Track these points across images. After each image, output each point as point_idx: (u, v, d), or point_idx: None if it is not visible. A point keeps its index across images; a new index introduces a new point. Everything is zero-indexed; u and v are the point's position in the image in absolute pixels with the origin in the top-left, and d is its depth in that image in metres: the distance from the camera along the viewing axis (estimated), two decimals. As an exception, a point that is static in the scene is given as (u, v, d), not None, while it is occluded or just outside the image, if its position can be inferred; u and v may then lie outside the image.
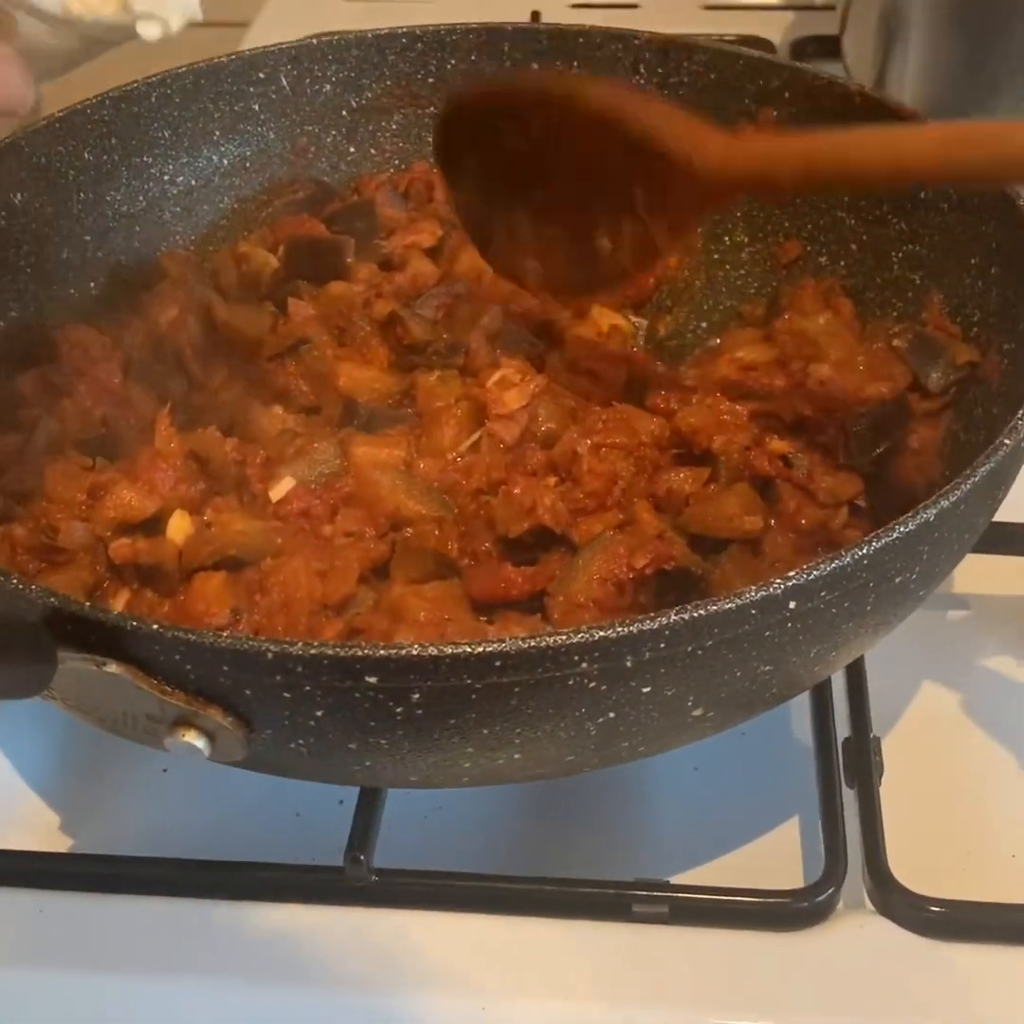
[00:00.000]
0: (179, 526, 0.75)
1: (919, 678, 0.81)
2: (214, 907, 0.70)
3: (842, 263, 0.91)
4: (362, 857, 0.68)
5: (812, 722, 0.76)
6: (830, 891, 0.68)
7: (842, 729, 0.75)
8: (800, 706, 0.76)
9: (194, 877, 0.71)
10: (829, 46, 1.32)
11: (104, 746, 0.75)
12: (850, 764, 0.73)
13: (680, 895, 0.68)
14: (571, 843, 0.73)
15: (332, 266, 0.93)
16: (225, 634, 0.56)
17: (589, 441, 0.76)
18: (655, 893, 0.68)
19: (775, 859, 0.73)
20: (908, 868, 0.70)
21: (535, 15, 1.44)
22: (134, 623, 0.56)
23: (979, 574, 0.85)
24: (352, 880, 0.69)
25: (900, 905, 0.68)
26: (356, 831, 0.69)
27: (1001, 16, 1.06)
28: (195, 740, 0.58)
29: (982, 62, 1.08)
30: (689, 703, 0.60)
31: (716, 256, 0.97)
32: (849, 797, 0.72)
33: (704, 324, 0.96)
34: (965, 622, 0.85)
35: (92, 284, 0.93)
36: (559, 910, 0.68)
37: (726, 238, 0.97)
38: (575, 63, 0.99)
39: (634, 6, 1.52)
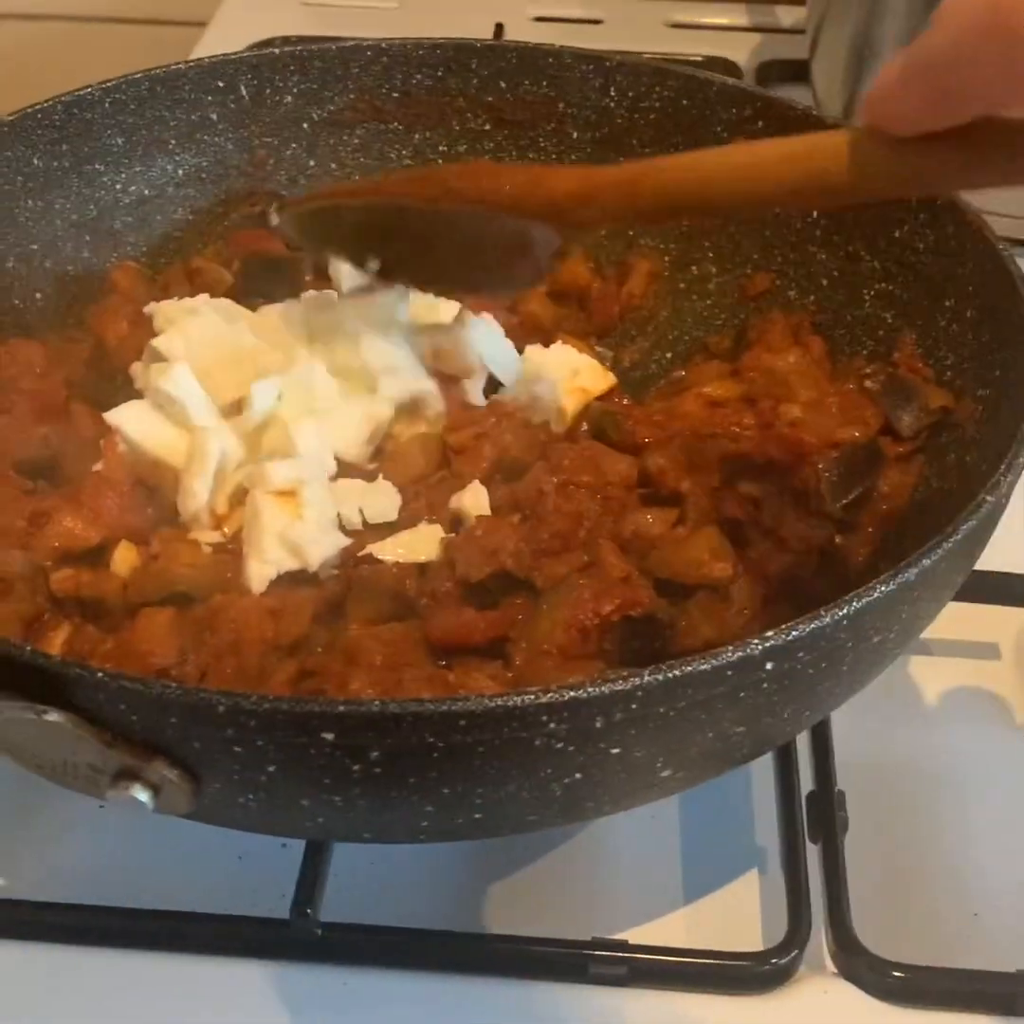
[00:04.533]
0: (125, 558, 0.71)
1: (884, 727, 0.80)
2: (151, 960, 0.67)
3: (812, 297, 0.89)
4: (309, 911, 0.66)
5: (775, 775, 0.74)
6: (793, 954, 0.66)
7: (806, 782, 0.73)
8: (763, 758, 0.74)
9: (130, 927, 0.68)
10: (795, 70, 1.31)
11: (36, 780, 0.72)
12: (814, 819, 0.72)
13: (639, 956, 0.66)
14: (526, 898, 0.70)
15: (288, 284, 0.89)
16: (173, 685, 0.52)
17: (555, 479, 0.74)
18: (613, 954, 0.66)
19: (736, 915, 0.71)
20: (871, 928, 0.68)
21: (499, 28, 1.43)
22: (78, 670, 0.53)
23: (943, 620, 0.84)
24: (298, 934, 0.66)
25: (863, 969, 0.66)
26: (303, 883, 0.66)
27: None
28: (139, 793, 0.55)
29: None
30: (658, 764, 0.57)
31: (682, 286, 0.95)
32: (812, 852, 0.71)
33: (669, 355, 0.94)
34: (929, 668, 0.84)
35: (38, 295, 0.89)
36: (513, 970, 0.66)
37: (693, 268, 0.95)
38: (544, 82, 0.96)
39: (598, 22, 1.50)
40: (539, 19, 1.49)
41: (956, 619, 0.84)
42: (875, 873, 0.72)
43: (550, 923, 0.69)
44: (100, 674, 0.52)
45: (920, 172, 0.58)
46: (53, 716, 0.53)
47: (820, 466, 0.76)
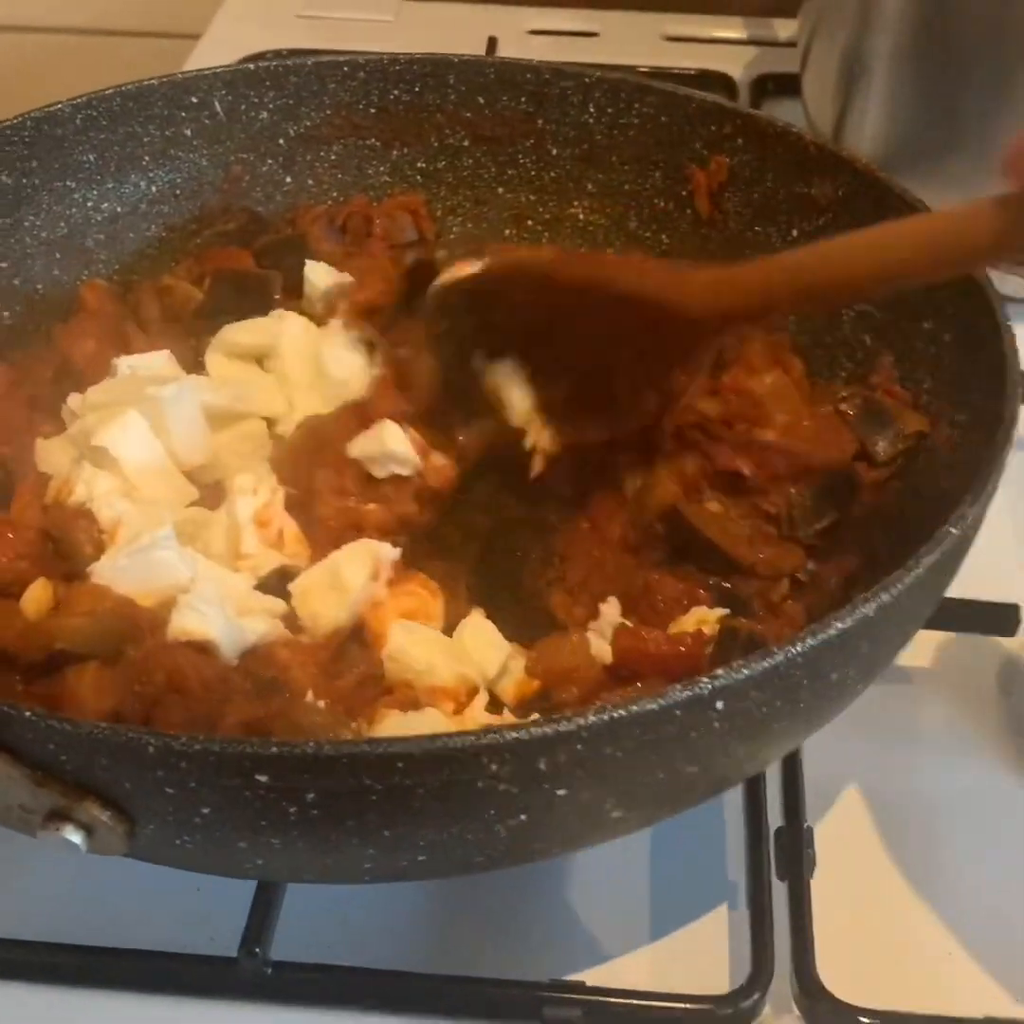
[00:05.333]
0: (37, 598, 0.65)
1: (858, 759, 0.77)
2: (95, 998, 0.65)
3: (792, 318, 0.87)
4: (258, 950, 0.64)
5: (744, 809, 0.72)
6: (755, 997, 0.64)
7: (775, 816, 0.72)
8: (732, 791, 0.72)
9: (77, 964, 0.67)
10: (791, 84, 1.28)
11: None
12: (782, 856, 0.70)
13: (594, 998, 0.64)
14: (486, 936, 0.68)
15: (257, 302, 0.88)
16: (103, 725, 0.51)
17: None
18: (568, 996, 0.64)
19: (704, 954, 0.69)
20: (839, 970, 0.66)
21: (492, 41, 1.41)
22: (5, 708, 0.51)
23: (925, 648, 0.82)
24: (247, 973, 0.64)
25: (827, 1014, 0.64)
26: (253, 922, 0.65)
27: (962, 61, 1.03)
28: (71, 834, 0.53)
29: (942, 107, 1.05)
30: (607, 805, 0.56)
31: (663, 305, 0.93)
32: (779, 890, 0.69)
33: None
34: (907, 698, 0.82)
35: (6, 314, 0.88)
36: (465, 1012, 0.64)
37: (674, 287, 0.93)
38: (522, 99, 0.95)
39: (594, 35, 1.47)
40: (534, 32, 1.46)
41: (937, 648, 0.83)
42: (845, 911, 0.70)
43: (510, 963, 0.67)
44: (28, 713, 0.51)
45: None
46: (-19, 754, 0.52)
47: (792, 491, 0.74)
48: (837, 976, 0.65)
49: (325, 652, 0.68)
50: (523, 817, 0.54)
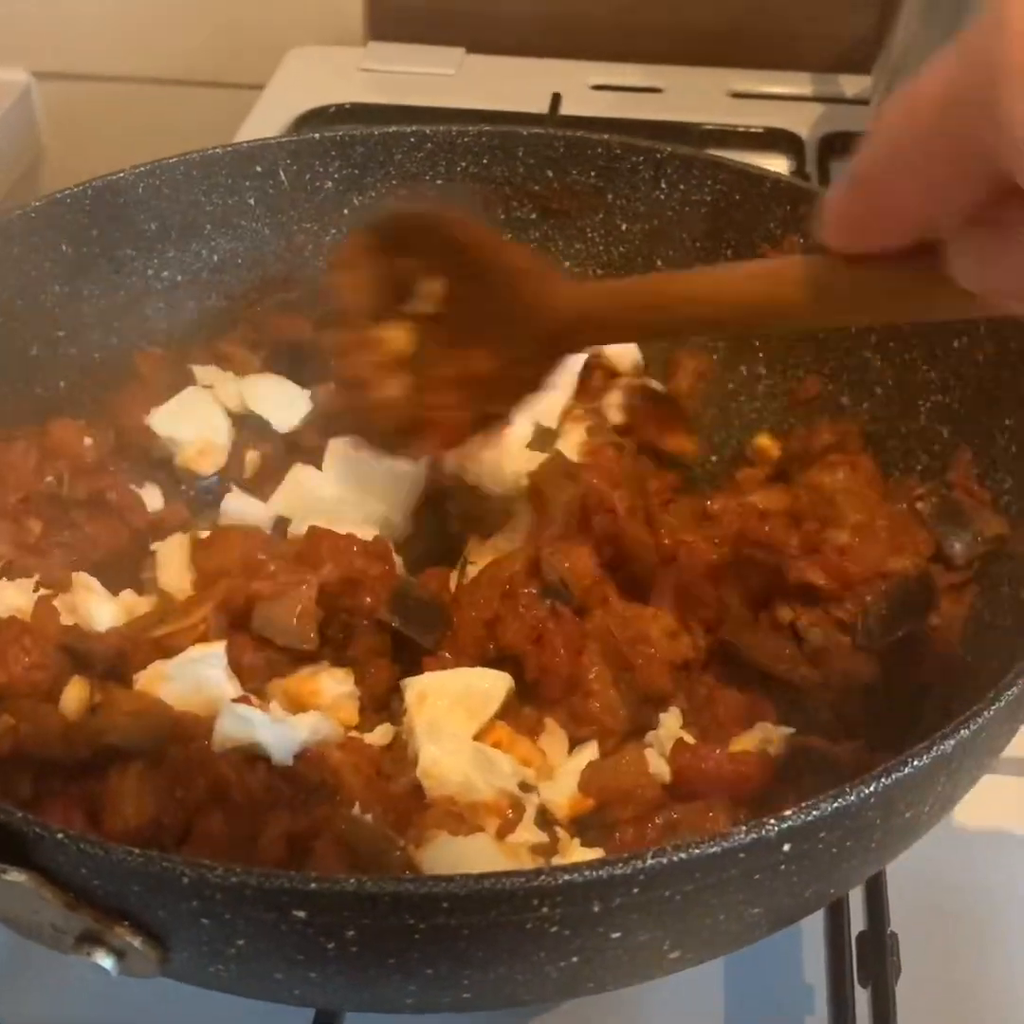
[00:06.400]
0: (76, 696, 0.63)
1: (943, 857, 0.73)
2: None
3: (865, 405, 0.84)
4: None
5: (824, 913, 0.68)
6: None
7: (857, 920, 0.68)
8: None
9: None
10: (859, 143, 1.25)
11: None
12: (864, 962, 0.66)
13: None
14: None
15: (312, 369, 0.86)
16: (135, 852, 0.48)
17: None
18: None
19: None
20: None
21: (556, 97, 1.38)
22: (38, 829, 0.49)
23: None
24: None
25: None
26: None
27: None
28: (101, 959, 0.51)
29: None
30: (665, 946, 0.52)
31: (731, 386, 0.91)
32: (861, 996, 0.65)
33: (714, 458, 0.90)
34: (997, 791, 0.76)
35: (62, 383, 0.86)
36: None
37: (743, 368, 0.90)
38: (592, 173, 0.93)
39: (658, 90, 1.44)
40: (597, 87, 1.43)
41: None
42: (931, 1018, 0.66)
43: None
44: (60, 835, 0.49)
45: (875, 300, 0.54)
46: (13, 875, 0.50)
47: (868, 599, 0.71)
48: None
49: (380, 755, 0.65)
50: (575, 959, 0.51)
